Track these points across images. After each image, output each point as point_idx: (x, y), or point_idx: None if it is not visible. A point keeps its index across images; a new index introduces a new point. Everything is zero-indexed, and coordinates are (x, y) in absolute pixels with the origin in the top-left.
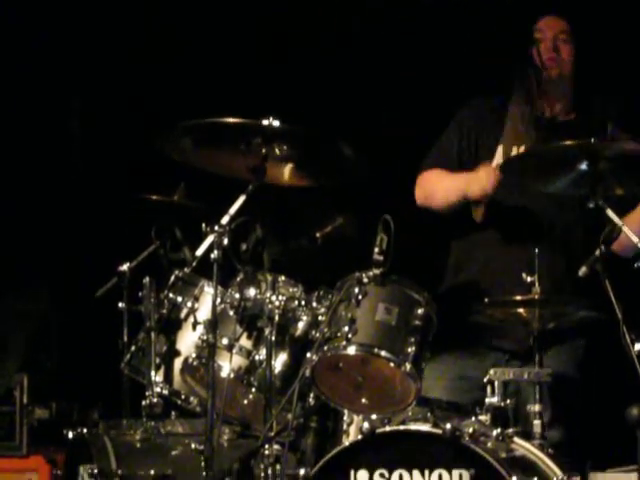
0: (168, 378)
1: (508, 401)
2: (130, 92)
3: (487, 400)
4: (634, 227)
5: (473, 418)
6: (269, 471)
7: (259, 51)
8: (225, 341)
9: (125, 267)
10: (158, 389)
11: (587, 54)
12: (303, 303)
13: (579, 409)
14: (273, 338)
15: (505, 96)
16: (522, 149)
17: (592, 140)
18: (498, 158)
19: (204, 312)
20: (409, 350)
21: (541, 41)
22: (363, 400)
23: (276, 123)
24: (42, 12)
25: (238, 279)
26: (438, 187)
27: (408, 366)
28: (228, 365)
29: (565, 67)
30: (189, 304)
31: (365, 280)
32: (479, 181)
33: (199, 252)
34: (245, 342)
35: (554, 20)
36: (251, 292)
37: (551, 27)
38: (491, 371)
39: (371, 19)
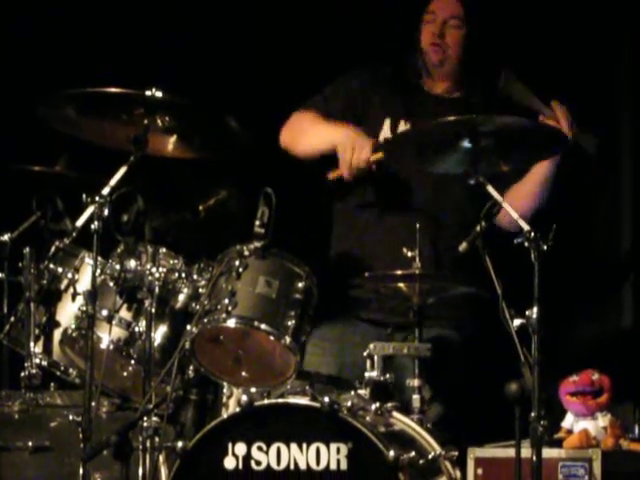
0: (47, 349)
1: (388, 375)
2: (12, 60)
3: (366, 374)
4: (518, 202)
5: (352, 392)
6: (147, 443)
7: (149, 21)
8: (105, 312)
9: (6, 237)
10: (37, 360)
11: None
12: (184, 275)
13: (460, 384)
14: (153, 310)
15: (392, 67)
16: (409, 125)
17: (473, 116)
18: (385, 131)
19: (84, 283)
20: (289, 323)
21: (429, 23)
22: (243, 373)
23: (159, 94)
24: None
25: (118, 250)
26: (308, 131)
27: (288, 339)
28: (107, 337)
29: (449, 52)
30: (69, 275)
31: (246, 253)
32: (354, 148)
33: (79, 223)
34: (125, 314)
35: (448, 3)
36: (131, 264)
37: (443, 10)
38: (371, 345)
39: None
